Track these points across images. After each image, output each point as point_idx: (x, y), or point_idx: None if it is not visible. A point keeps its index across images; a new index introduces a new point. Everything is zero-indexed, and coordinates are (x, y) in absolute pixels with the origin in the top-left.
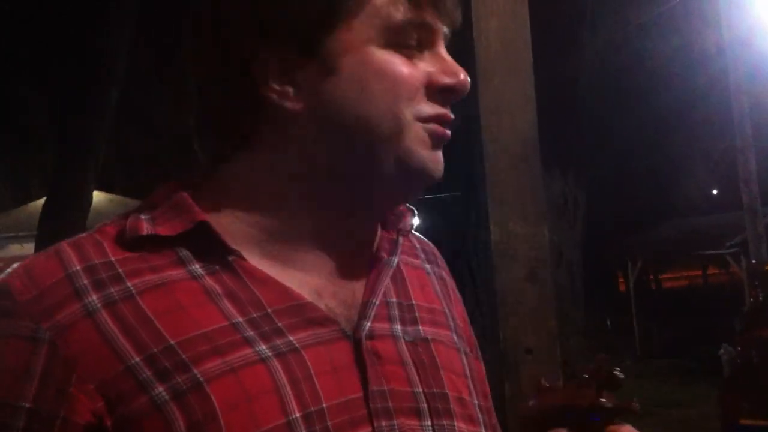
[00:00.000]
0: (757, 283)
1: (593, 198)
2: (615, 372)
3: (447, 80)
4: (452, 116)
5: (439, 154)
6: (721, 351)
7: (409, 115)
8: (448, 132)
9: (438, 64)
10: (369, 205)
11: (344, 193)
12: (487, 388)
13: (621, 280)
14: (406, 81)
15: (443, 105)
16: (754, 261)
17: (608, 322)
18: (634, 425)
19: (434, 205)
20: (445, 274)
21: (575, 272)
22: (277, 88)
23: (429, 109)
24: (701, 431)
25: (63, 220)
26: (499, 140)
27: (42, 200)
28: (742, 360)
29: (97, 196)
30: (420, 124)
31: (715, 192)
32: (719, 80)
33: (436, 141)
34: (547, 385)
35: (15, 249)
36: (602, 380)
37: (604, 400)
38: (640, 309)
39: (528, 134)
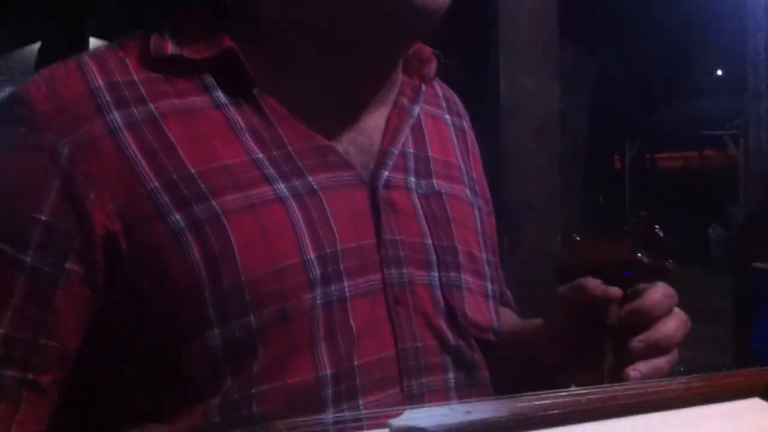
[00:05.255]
0: None
1: (604, 74)
2: (655, 229)
3: None
4: None
5: None
6: (710, 230)
7: None
8: None
9: None
10: (378, 46)
11: (349, 37)
12: (496, 243)
13: (617, 157)
14: None
15: None
16: None
17: (601, 199)
18: None
19: (445, 71)
20: (467, 125)
21: (578, 141)
22: None
23: None
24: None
25: None
26: None
27: (38, 44)
28: (759, 203)
29: (95, 44)
30: None
31: (720, 73)
32: None
33: None
34: (579, 239)
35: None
36: (640, 237)
37: (640, 255)
38: (634, 189)
39: None
